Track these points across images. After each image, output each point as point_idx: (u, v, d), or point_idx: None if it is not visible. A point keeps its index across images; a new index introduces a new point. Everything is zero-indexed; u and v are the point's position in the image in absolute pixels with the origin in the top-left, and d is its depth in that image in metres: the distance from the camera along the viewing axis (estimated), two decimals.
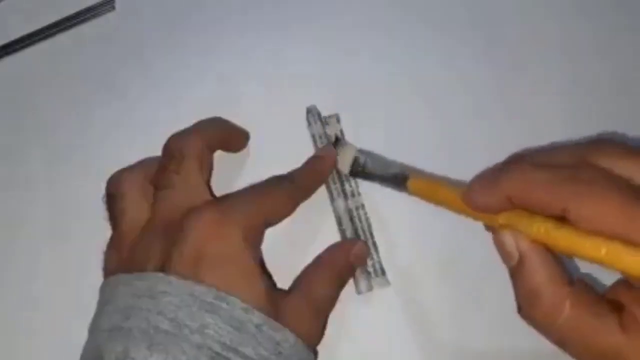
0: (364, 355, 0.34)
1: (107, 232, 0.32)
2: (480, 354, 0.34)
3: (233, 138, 0.36)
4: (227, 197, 0.32)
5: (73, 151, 0.38)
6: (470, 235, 0.35)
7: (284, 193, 0.33)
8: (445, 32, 0.39)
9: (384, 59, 0.39)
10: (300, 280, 0.33)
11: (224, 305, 0.28)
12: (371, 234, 0.35)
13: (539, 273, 0.25)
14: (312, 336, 0.31)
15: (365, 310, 0.34)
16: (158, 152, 0.33)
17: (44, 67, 0.40)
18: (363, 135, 0.37)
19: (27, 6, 0.40)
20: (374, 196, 0.36)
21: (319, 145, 0.36)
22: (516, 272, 0.26)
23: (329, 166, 0.35)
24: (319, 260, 0.34)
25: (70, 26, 0.40)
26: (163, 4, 0.40)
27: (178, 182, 0.31)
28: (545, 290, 0.25)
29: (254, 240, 0.30)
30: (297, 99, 0.37)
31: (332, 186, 0.35)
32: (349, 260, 0.33)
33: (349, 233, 0.35)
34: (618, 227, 0.23)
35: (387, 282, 0.34)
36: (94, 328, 0.29)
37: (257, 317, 0.28)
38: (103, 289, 0.30)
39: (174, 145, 0.32)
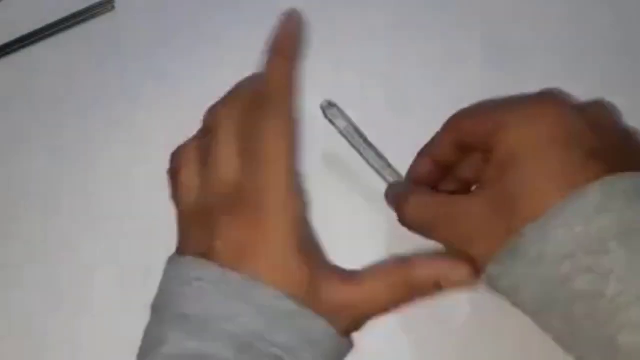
0: (362, 356, 0.34)
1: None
2: (480, 353, 0.34)
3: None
4: None
5: (73, 151, 0.38)
6: None
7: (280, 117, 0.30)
8: (446, 28, 0.39)
9: (384, 58, 0.39)
10: (371, 278, 0.30)
11: (255, 293, 0.27)
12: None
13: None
14: (350, 329, 0.30)
15: None
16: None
17: (44, 67, 0.40)
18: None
19: (27, 6, 0.41)
20: (374, 195, 0.36)
21: (356, 138, 0.36)
22: None
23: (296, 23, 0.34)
24: (403, 267, 0.31)
25: (70, 26, 0.40)
26: (163, 4, 0.40)
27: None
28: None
29: (295, 218, 0.29)
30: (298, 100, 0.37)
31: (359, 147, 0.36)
32: (433, 284, 0.30)
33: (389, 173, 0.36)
34: None
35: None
36: (153, 306, 0.30)
37: (288, 304, 0.27)
38: (165, 268, 0.30)
39: (210, 121, 0.32)
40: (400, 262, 0.31)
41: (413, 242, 0.35)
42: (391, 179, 0.35)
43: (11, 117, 0.39)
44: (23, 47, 0.40)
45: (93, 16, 0.40)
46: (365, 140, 0.36)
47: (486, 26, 0.39)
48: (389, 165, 0.36)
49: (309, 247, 0.30)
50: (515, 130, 0.29)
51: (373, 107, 0.38)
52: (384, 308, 0.30)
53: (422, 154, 0.34)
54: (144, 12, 0.40)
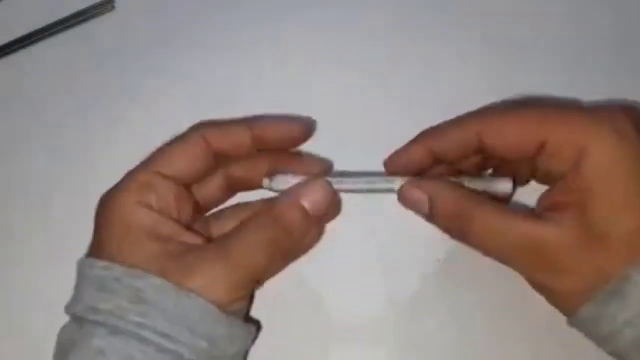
0: (361, 354, 0.34)
1: None
2: (479, 352, 0.34)
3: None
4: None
5: (73, 151, 0.38)
6: None
7: (189, 144, 0.31)
8: (446, 28, 0.39)
9: (376, 67, 0.39)
10: (228, 235, 0.30)
11: (91, 270, 0.29)
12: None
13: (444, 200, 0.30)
14: (216, 286, 0.28)
15: (363, 311, 0.34)
16: None
17: (44, 67, 0.40)
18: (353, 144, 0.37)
19: (27, 6, 0.41)
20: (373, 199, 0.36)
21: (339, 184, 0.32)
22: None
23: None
24: (266, 207, 0.30)
25: (70, 26, 0.40)
26: (163, 4, 0.40)
27: None
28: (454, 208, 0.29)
29: (144, 196, 0.30)
30: (298, 101, 0.37)
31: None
32: (299, 215, 0.30)
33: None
34: None
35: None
36: None
37: (116, 271, 0.28)
38: None
39: None
40: (268, 204, 0.30)
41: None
42: (396, 186, 0.31)
43: (11, 117, 0.39)
44: (23, 47, 0.40)
45: (93, 16, 0.40)
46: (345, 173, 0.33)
47: (486, 26, 0.39)
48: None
49: (162, 232, 0.29)
50: (597, 158, 0.27)
51: (373, 107, 0.38)
52: (265, 262, 0.29)
53: (423, 142, 0.32)
54: (144, 12, 0.40)
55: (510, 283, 0.34)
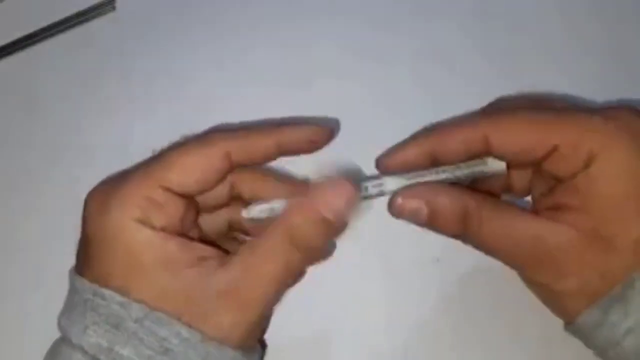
0: (362, 354, 0.34)
1: None
2: (479, 352, 0.34)
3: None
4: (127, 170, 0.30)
5: (73, 151, 0.38)
6: None
7: (209, 161, 0.29)
8: (437, 29, 0.39)
9: (383, 57, 0.39)
10: (239, 260, 0.27)
11: (100, 301, 0.26)
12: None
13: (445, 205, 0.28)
14: (235, 333, 0.27)
15: (363, 308, 0.34)
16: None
17: (44, 67, 0.40)
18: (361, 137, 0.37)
19: (27, 6, 0.41)
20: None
21: None
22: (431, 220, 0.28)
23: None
24: (282, 222, 0.27)
25: (71, 26, 0.40)
26: (163, 5, 0.40)
27: None
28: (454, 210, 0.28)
29: (148, 215, 0.27)
30: (298, 100, 0.37)
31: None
32: (321, 222, 0.27)
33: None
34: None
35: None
36: None
37: (136, 310, 0.26)
38: None
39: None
40: (278, 221, 0.27)
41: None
42: (391, 187, 0.30)
43: (11, 117, 0.39)
44: (24, 47, 0.40)
45: (94, 16, 0.40)
46: None
47: (479, 26, 0.39)
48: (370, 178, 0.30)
49: (169, 257, 0.27)
50: (609, 161, 0.27)
51: (364, 109, 0.38)
52: (278, 297, 0.28)
53: (424, 142, 0.30)
54: (145, 13, 0.40)
55: (511, 283, 0.34)
